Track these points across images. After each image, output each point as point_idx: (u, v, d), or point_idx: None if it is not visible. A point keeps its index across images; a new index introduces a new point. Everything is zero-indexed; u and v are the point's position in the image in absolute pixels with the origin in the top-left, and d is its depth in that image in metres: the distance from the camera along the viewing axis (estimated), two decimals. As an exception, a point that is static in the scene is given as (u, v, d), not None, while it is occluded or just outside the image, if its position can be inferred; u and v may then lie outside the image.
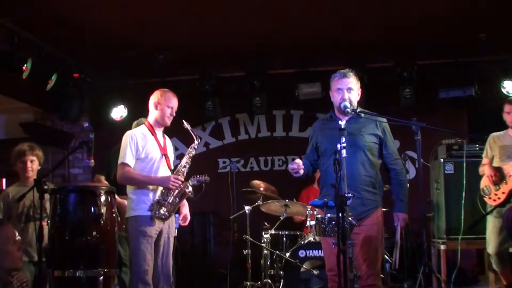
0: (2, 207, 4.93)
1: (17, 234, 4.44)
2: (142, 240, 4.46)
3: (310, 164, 4.48)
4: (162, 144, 4.77)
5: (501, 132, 5.77)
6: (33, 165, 5.04)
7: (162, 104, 4.76)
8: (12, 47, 5.88)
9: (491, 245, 5.65)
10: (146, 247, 4.46)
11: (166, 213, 4.54)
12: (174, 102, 4.80)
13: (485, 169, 5.71)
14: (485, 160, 5.76)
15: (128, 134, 4.68)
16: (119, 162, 4.62)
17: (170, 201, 4.58)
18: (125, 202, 4.80)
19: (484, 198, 5.71)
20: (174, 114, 4.80)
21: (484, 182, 5.72)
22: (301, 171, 4.25)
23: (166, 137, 4.93)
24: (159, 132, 4.80)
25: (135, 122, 5.50)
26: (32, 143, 5.16)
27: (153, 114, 4.80)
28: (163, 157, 4.74)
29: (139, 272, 4.43)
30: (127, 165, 4.58)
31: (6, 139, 8.37)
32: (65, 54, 7.00)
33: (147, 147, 4.65)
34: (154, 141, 4.72)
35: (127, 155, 4.59)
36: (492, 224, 5.63)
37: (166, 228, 4.64)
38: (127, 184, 4.64)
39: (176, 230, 4.76)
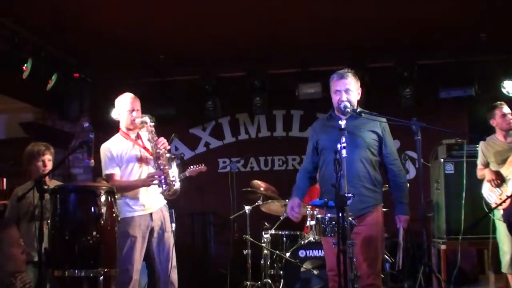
0: (10, 206, 4.92)
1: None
2: (126, 241, 4.59)
3: (309, 173, 4.52)
4: (141, 144, 4.83)
5: (490, 137, 5.85)
6: (50, 164, 5.04)
7: (122, 111, 4.83)
8: (12, 47, 5.88)
9: (505, 245, 5.65)
10: (130, 247, 4.57)
11: (173, 184, 4.61)
12: (133, 104, 4.81)
13: (485, 174, 5.73)
14: (480, 166, 5.83)
15: (101, 148, 4.79)
16: (103, 175, 4.78)
17: (170, 175, 4.62)
18: None
19: (491, 205, 5.66)
20: (139, 113, 4.80)
21: (486, 189, 5.73)
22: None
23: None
24: (134, 134, 4.83)
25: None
26: (44, 142, 5.15)
27: (121, 122, 4.87)
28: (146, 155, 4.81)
29: (121, 271, 4.50)
30: (110, 175, 4.72)
31: (6, 139, 8.37)
32: (65, 54, 7.00)
33: (122, 154, 4.74)
34: (131, 145, 4.78)
35: (106, 166, 4.73)
36: (502, 228, 5.63)
37: (157, 224, 4.72)
38: (122, 192, 4.72)
39: (172, 226, 4.79)
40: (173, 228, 4.80)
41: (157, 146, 4.66)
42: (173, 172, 4.66)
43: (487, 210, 5.73)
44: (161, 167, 4.62)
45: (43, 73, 6.52)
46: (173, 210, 4.84)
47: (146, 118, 4.75)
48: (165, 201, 4.91)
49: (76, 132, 8.34)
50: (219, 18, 6.17)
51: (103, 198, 4.28)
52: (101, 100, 7.83)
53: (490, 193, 5.70)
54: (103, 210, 4.25)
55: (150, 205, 4.72)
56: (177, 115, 7.85)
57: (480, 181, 5.87)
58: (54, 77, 6.65)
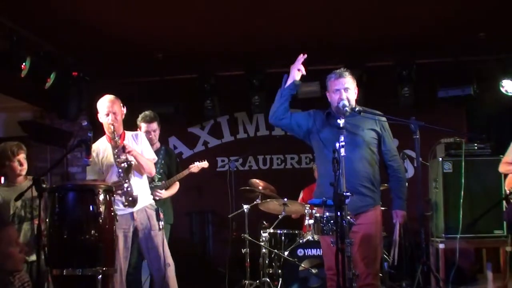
0: None
1: None
2: None
3: (287, 111, 4.47)
4: None
5: None
6: (25, 162, 4.91)
7: (100, 115, 4.85)
8: (11, 46, 5.87)
9: None
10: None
11: (133, 198, 4.64)
12: (109, 107, 4.81)
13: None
14: (506, 159, 5.58)
15: None
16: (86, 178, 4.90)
17: (125, 186, 4.65)
18: None
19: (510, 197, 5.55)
20: (116, 117, 4.80)
21: (510, 183, 5.62)
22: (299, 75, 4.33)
23: (131, 135, 5.00)
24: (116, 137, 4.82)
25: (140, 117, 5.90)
26: (15, 142, 5.01)
27: (103, 125, 4.89)
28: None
29: None
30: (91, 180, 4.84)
31: (5, 138, 8.36)
32: (64, 52, 6.99)
33: (102, 158, 4.81)
34: (111, 149, 4.81)
35: (88, 172, 4.86)
36: None
37: (141, 224, 4.77)
38: None
39: (160, 224, 4.80)
40: (161, 226, 4.79)
41: (118, 153, 4.66)
42: (130, 182, 4.68)
43: (505, 202, 5.69)
44: (122, 176, 4.65)
45: (42, 72, 6.50)
46: (159, 208, 4.85)
47: (111, 126, 4.74)
48: (151, 201, 4.93)
49: (75, 130, 8.33)
50: (218, 17, 6.16)
51: (101, 197, 4.28)
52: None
53: None
54: (102, 208, 4.25)
55: None
56: (175, 114, 7.85)
57: (479, 180, 5.87)
58: (52, 76, 6.64)
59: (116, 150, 4.67)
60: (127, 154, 4.66)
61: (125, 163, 4.62)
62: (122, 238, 4.69)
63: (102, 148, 4.82)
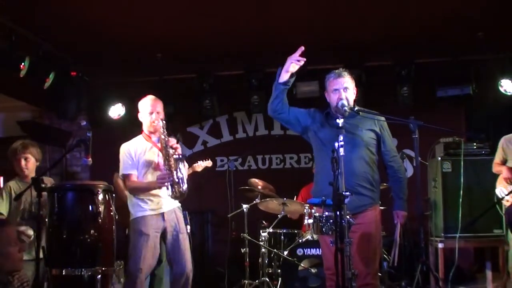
0: (5, 199, 4.87)
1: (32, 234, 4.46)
2: (139, 239, 4.58)
3: (285, 106, 4.39)
4: (160, 147, 4.79)
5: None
6: (28, 163, 4.97)
7: (142, 113, 4.83)
8: (10, 45, 5.87)
9: None
10: (143, 245, 4.56)
11: (180, 185, 4.59)
12: (153, 106, 4.81)
13: (503, 170, 5.63)
14: (498, 161, 5.72)
15: (121, 147, 4.80)
16: (120, 175, 4.79)
17: (176, 177, 4.60)
18: None
19: (503, 202, 5.61)
20: (161, 116, 4.78)
21: (500, 185, 5.67)
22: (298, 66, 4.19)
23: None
24: (156, 137, 4.81)
25: None
26: (26, 140, 5.10)
27: (143, 124, 4.88)
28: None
29: (135, 270, 4.53)
30: (128, 175, 4.71)
31: (4, 138, 8.37)
32: (63, 52, 6.99)
33: (140, 155, 4.73)
34: (149, 147, 4.78)
35: (125, 166, 4.72)
36: None
37: (170, 225, 4.71)
38: (136, 193, 4.71)
39: (187, 227, 4.80)
40: (188, 230, 4.78)
41: (167, 146, 4.63)
42: (181, 173, 4.63)
43: (497, 206, 5.72)
44: (170, 169, 4.59)
45: (41, 71, 6.50)
46: (186, 212, 4.82)
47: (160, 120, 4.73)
48: (179, 203, 4.90)
49: (74, 130, 8.34)
50: (217, 16, 6.16)
51: (100, 197, 4.29)
52: (99, 99, 7.86)
53: (502, 189, 5.64)
54: (101, 208, 4.26)
55: (162, 206, 4.71)
56: (174, 114, 7.84)
57: (478, 179, 5.88)
58: (51, 76, 6.64)
59: (166, 144, 4.61)
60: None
61: (177, 156, 4.61)
62: (153, 239, 4.63)
63: (140, 146, 4.77)
